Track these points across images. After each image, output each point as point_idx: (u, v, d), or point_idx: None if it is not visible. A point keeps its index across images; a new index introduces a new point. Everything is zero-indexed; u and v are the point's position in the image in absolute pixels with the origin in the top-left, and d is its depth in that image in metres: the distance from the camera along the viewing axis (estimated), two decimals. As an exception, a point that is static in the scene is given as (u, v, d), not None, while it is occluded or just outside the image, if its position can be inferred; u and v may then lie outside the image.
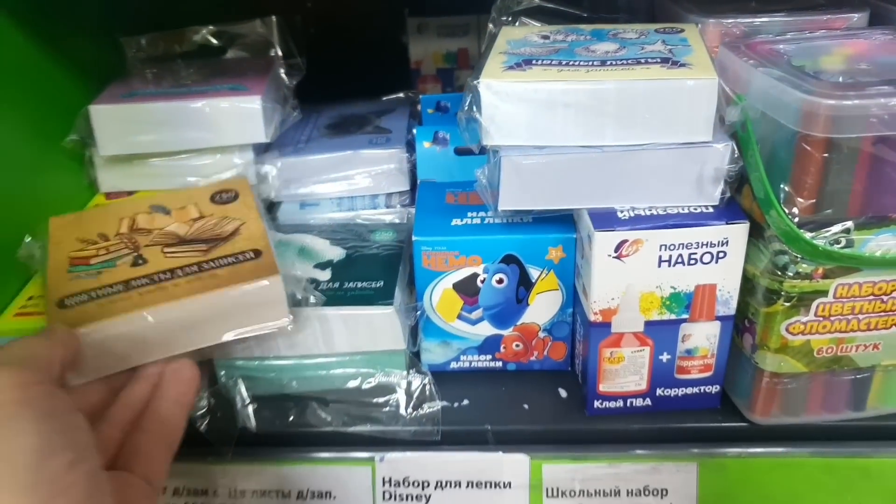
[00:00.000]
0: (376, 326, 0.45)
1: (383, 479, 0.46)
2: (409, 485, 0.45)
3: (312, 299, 0.45)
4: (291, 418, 0.46)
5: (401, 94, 0.68)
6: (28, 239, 0.48)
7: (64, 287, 0.41)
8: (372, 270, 0.48)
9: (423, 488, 0.45)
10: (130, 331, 0.39)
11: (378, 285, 0.46)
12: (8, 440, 0.28)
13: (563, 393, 0.49)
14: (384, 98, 0.68)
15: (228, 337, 0.41)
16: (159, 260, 0.43)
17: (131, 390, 0.39)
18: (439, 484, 0.45)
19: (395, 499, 0.46)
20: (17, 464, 0.28)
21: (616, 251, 0.41)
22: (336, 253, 0.50)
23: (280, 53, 0.63)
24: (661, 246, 0.41)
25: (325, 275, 0.48)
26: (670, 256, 0.41)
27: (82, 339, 0.37)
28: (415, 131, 0.54)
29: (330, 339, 0.45)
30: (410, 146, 0.56)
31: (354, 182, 0.57)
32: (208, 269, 0.42)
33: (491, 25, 0.50)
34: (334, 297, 0.45)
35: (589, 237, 0.41)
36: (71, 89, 0.56)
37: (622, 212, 0.42)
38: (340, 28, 0.82)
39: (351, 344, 0.46)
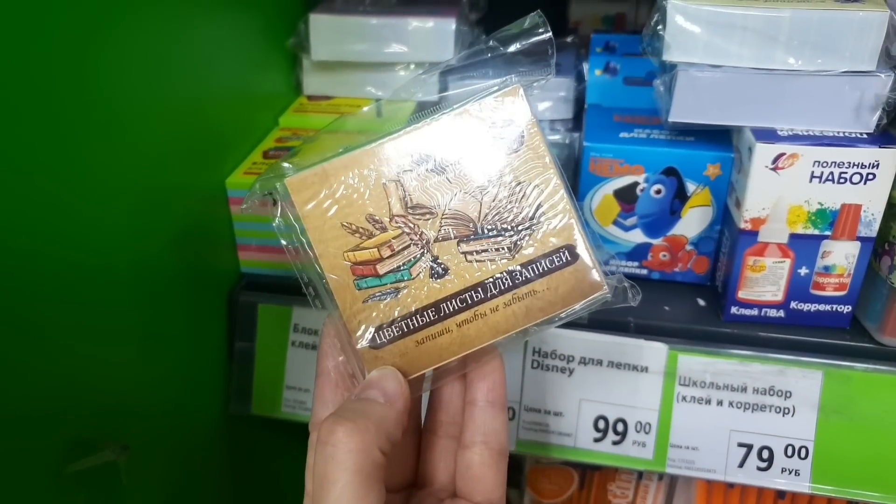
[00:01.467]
0: None
1: (533, 349, 0.52)
2: (555, 357, 0.52)
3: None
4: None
5: (567, 39, 0.74)
6: (255, 187, 0.37)
7: (361, 315, 0.34)
8: None
9: (567, 362, 0.52)
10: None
11: None
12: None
13: (701, 302, 0.54)
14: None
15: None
16: (461, 267, 0.34)
17: (439, 404, 0.36)
18: (583, 360, 0.52)
19: (542, 368, 0.52)
20: None
21: (773, 163, 0.46)
22: None
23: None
24: (814, 162, 0.46)
25: None
26: (822, 173, 0.46)
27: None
28: (585, 63, 0.60)
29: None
30: (579, 77, 0.63)
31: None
32: (522, 283, 0.34)
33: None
34: None
35: (749, 149, 0.47)
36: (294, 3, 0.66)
37: (782, 130, 0.47)
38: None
39: None
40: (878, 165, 0.45)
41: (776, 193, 0.47)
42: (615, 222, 0.54)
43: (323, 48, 0.63)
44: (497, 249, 0.34)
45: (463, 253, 0.34)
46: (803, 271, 0.49)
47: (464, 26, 0.64)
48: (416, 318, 0.34)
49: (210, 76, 0.52)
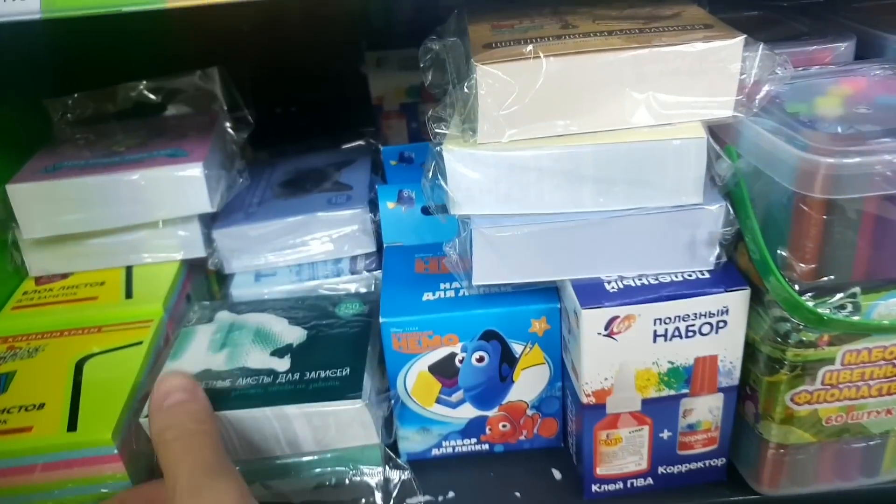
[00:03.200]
0: (344, 422, 0.40)
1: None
2: None
3: None
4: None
5: (361, 142, 0.63)
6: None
7: (488, 38, 0.38)
8: (337, 354, 0.43)
9: None
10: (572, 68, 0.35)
11: (344, 373, 0.41)
12: None
13: (557, 474, 0.44)
14: (344, 147, 0.63)
15: None
16: (590, 26, 0.38)
17: None
18: (426, 591, 0.41)
19: None
20: None
21: (606, 329, 0.37)
22: (296, 335, 0.45)
23: (225, 107, 0.58)
24: (655, 320, 0.37)
25: (283, 364, 0.42)
26: (666, 330, 0.37)
27: None
28: (377, 190, 0.49)
29: (294, 439, 0.40)
30: (374, 204, 0.52)
31: (314, 248, 0.52)
32: (650, 32, 0.36)
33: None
34: (295, 392, 0.40)
35: (576, 313, 0.37)
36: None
37: (610, 283, 0.38)
38: (296, 69, 0.77)
39: (318, 443, 0.41)
40: (727, 311, 0.37)
41: (617, 360, 0.38)
42: (439, 400, 0.44)
43: (36, 224, 0.49)
44: (631, 19, 0.39)
45: (595, 22, 0.39)
46: (665, 434, 0.41)
47: (220, 162, 0.52)
48: (536, 40, 0.36)
49: None
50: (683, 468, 0.42)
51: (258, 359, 0.43)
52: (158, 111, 0.60)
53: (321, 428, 0.40)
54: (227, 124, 0.57)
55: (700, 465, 0.42)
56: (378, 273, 0.51)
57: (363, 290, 0.51)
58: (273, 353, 0.43)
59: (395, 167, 0.52)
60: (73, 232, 0.49)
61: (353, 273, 0.52)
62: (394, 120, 0.74)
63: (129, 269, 0.51)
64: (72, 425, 0.39)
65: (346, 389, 0.40)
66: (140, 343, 0.45)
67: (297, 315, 0.47)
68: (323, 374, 0.41)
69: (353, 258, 0.53)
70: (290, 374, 0.42)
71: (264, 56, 0.75)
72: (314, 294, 0.51)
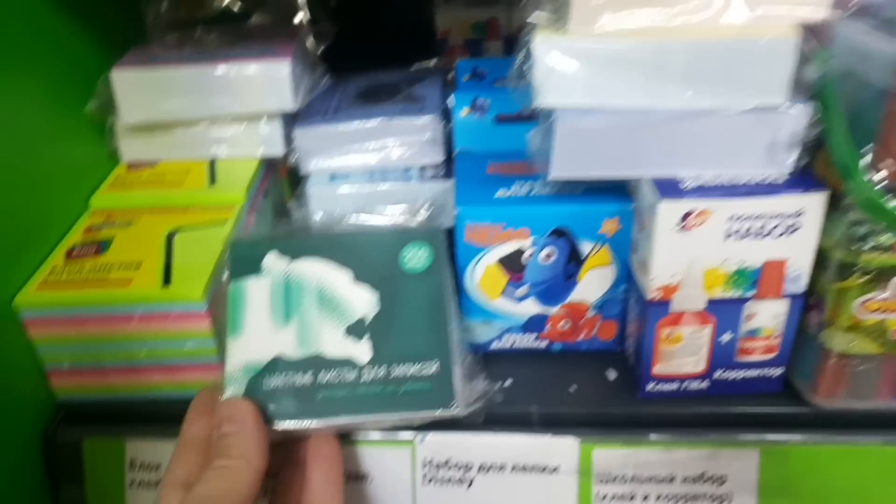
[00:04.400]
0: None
1: (423, 460, 0.43)
2: (450, 467, 0.43)
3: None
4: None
5: (431, 63, 0.65)
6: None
7: None
8: (418, 339, 0.39)
9: (465, 471, 0.43)
10: None
11: (433, 370, 0.39)
12: None
13: (611, 375, 0.46)
14: (415, 67, 0.65)
15: None
16: None
17: (284, 483, 0.38)
18: (483, 467, 0.43)
19: (435, 482, 0.43)
20: None
21: (681, 223, 0.38)
22: (366, 302, 0.40)
23: (307, 18, 0.60)
24: (729, 218, 0.38)
25: (363, 350, 0.39)
26: (738, 229, 0.38)
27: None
28: (451, 98, 0.51)
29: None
30: (445, 115, 0.53)
31: (386, 153, 0.54)
32: None
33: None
34: (383, 397, 0.38)
35: (651, 208, 0.39)
36: (91, 55, 0.53)
37: (687, 180, 0.39)
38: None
39: None
40: (801, 214, 0.38)
41: (687, 257, 0.39)
42: (504, 294, 0.45)
43: (133, 110, 0.51)
44: None
45: None
46: (726, 337, 0.42)
47: (302, 65, 0.54)
48: None
49: None
50: (740, 375, 0.43)
51: (333, 340, 0.39)
52: (243, 20, 0.62)
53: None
54: (309, 35, 0.59)
55: (757, 372, 0.43)
56: (445, 182, 0.53)
57: (430, 196, 0.52)
58: (349, 332, 0.40)
59: (468, 82, 0.54)
60: (165, 119, 0.52)
61: (421, 180, 0.54)
62: (457, 55, 0.75)
63: (212, 162, 0.54)
64: (166, 281, 0.42)
65: (440, 394, 0.38)
66: (225, 222, 0.48)
67: (358, 266, 0.41)
68: (410, 371, 0.39)
69: (423, 167, 0.55)
70: (374, 368, 0.39)
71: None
72: (376, 231, 0.46)
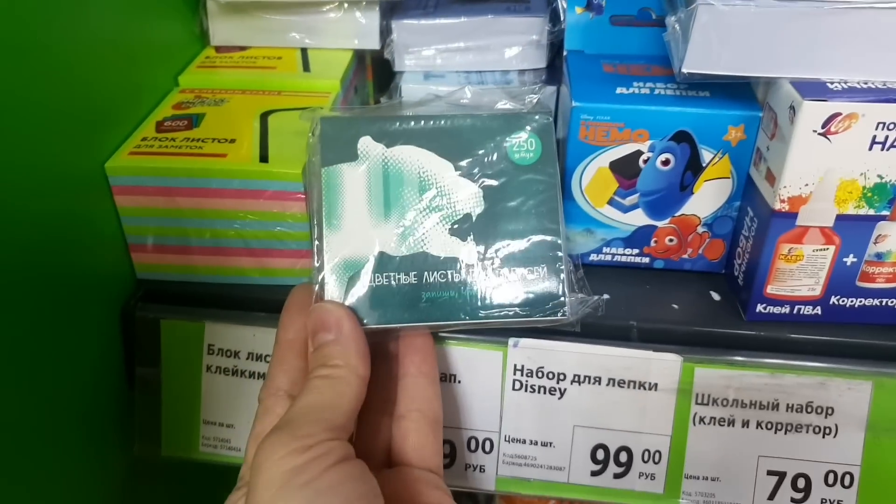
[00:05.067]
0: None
1: (515, 366, 0.41)
2: (542, 376, 0.41)
3: None
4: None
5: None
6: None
7: None
8: (525, 237, 0.38)
9: (557, 381, 0.41)
10: None
11: (541, 275, 0.37)
12: None
13: (716, 296, 0.44)
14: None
15: None
16: None
17: (375, 377, 0.35)
18: (577, 378, 0.41)
19: (525, 389, 0.42)
20: None
21: (824, 126, 0.35)
22: (470, 197, 0.38)
23: None
24: (878, 124, 0.35)
25: (470, 251, 0.37)
26: (886, 137, 0.35)
27: None
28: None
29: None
30: (554, 15, 0.51)
31: (485, 54, 0.52)
32: None
33: None
34: (489, 302, 0.37)
35: (792, 108, 0.36)
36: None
37: (833, 83, 0.36)
38: None
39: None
40: (957, 126, 0.35)
41: (825, 165, 0.36)
42: (611, 202, 0.43)
43: (228, -13, 0.49)
44: None
45: None
46: (850, 260, 0.39)
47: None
48: None
49: (77, 22, 0.39)
50: (858, 303, 0.41)
51: (439, 238, 0.37)
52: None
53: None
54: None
55: (877, 302, 0.40)
56: (551, 87, 0.50)
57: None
58: (454, 230, 0.38)
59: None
60: (261, 0, 0.50)
61: (521, 85, 0.51)
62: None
63: (304, 51, 0.52)
64: (263, 159, 0.41)
65: (548, 301, 0.37)
66: (322, 108, 0.45)
67: (461, 156, 0.38)
68: (518, 276, 0.37)
69: (522, 72, 0.52)
70: (480, 271, 0.37)
71: None
72: (469, 118, 0.39)
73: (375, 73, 0.57)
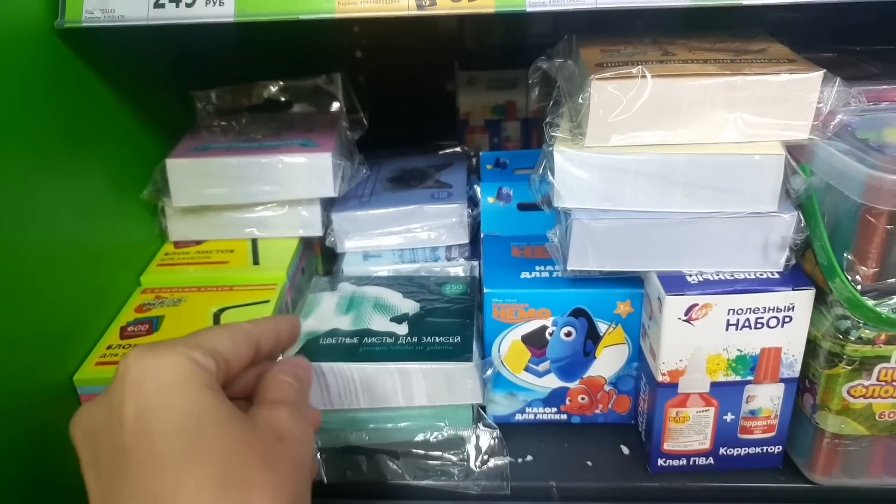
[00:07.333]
0: (456, 380, 0.47)
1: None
2: (473, 538, 0.46)
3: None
4: (364, 469, 0.47)
5: (457, 148, 0.70)
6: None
7: (599, 59, 0.43)
8: (447, 325, 0.50)
9: (487, 542, 0.46)
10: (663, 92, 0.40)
11: (455, 340, 0.48)
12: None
13: (625, 450, 0.50)
14: (441, 152, 0.70)
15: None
16: (687, 55, 0.44)
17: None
18: (504, 537, 0.46)
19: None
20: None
21: (686, 314, 0.42)
22: (410, 306, 0.52)
23: (344, 109, 0.65)
24: (729, 310, 0.42)
25: (402, 329, 0.50)
26: (738, 320, 0.42)
27: None
28: (477, 187, 0.56)
29: (409, 392, 0.47)
30: (471, 201, 0.58)
31: (416, 235, 0.59)
32: (740, 63, 0.42)
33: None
34: (414, 352, 0.47)
35: (659, 300, 0.43)
36: (147, 142, 0.58)
37: (691, 275, 0.43)
38: (391, 81, 0.85)
39: (429, 398, 0.47)
40: (793, 308, 0.42)
41: (693, 344, 0.43)
42: (527, 369, 0.49)
43: (184, 195, 0.56)
44: (723, 51, 0.44)
45: (691, 51, 0.45)
46: (729, 417, 0.46)
47: (341, 156, 0.59)
48: (641, 63, 0.41)
49: (48, 228, 0.44)
50: (742, 451, 0.47)
51: (380, 323, 0.51)
52: (285, 108, 0.67)
53: (435, 384, 0.47)
54: (345, 124, 0.64)
55: (758, 450, 0.47)
56: (472, 262, 0.58)
57: (461, 274, 0.57)
58: (393, 320, 0.51)
59: (491, 171, 0.59)
60: (214, 204, 0.57)
61: (448, 259, 0.58)
62: (478, 134, 0.81)
63: (254, 242, 0.59)
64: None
65: (459, 353, 0.47)
66: (268, 301, 0.52)
67: (409, 290, 0.54)
68: (438, 340, 0.49)
69: (449, 247, 0.59)
70: (409, 338, 0.49)
71: (363, 66, 0.84)
72: (418, 275, 0.58)
73: (323, 246, 0.64)
